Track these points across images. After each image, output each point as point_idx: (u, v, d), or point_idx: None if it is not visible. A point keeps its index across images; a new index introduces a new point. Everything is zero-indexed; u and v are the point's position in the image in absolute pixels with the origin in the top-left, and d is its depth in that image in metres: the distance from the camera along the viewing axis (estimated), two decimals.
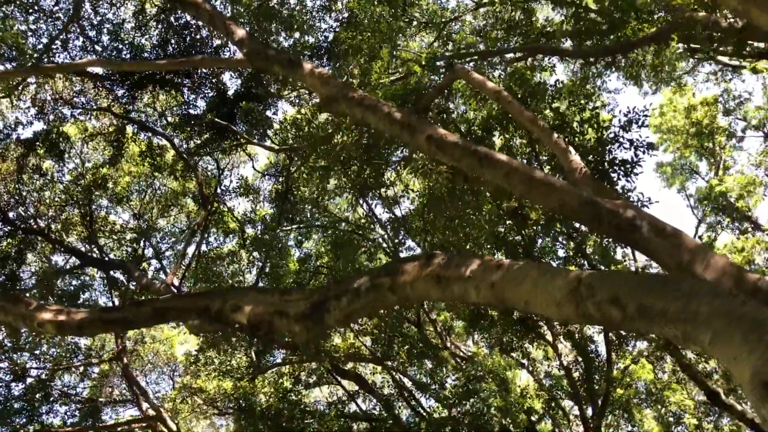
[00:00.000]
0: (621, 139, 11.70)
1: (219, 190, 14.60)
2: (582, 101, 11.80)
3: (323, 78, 9.84)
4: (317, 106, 13.55)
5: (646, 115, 11.79)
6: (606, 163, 11.68)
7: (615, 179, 11.73)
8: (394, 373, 15.15)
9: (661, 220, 6.67)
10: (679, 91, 24.51)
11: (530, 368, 16.70)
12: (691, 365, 20.07)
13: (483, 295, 6.45)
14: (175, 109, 15.84)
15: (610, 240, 15.78)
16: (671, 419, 17.25)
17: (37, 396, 17.44)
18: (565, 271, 5.76)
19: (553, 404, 17.28)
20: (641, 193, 11.62)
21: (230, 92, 16.13)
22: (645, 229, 6.84)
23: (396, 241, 18.25)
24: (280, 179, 15.71)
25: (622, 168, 11.54)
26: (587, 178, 8.91)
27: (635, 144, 11.60)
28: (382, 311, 14.40)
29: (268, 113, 16.83)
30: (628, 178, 11.63)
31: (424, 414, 14.59)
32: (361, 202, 17.30)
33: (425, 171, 14.32)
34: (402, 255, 17.76)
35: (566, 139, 10.71)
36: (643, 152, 11.60)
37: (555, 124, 11.66)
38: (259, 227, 16.10)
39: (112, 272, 16.23)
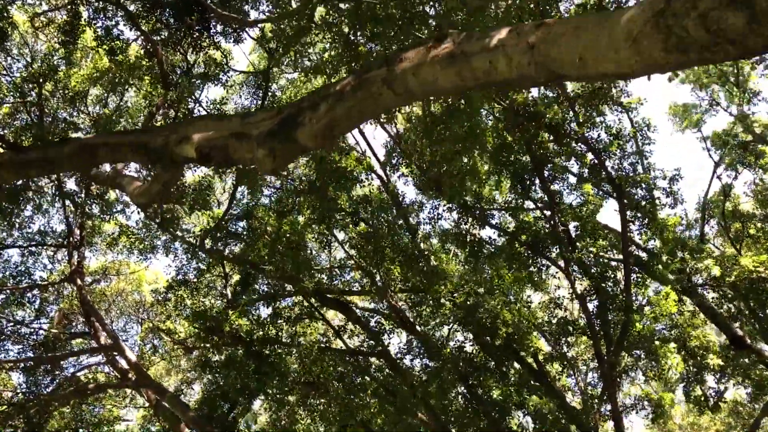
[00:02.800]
0: None
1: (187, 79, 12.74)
2: None
3: None
4: None
5: None
6: None
7: None
8: (383, 299, 13.51)
9: None
10: None
11: (540, 289, 15.10)
12: (713, 308, 18.64)
13: (518, 64, 4.74)
14: None
15: None
16: (695, 358, 15.77)
17: None
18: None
19: (563, 340, 15.76)
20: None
21: None
22: None
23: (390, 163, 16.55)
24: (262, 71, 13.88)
25: None
26: None
27: None
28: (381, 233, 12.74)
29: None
30: None
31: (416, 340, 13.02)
32: None
33: None
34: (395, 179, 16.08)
35: None
36: None
37: None
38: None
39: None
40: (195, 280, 17.70)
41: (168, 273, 26.13)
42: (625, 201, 14.56)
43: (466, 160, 15.64)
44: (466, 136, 10.75)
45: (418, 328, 13.28)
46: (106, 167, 10.26)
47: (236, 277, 18.22)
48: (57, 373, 19.33)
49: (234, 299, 16.77)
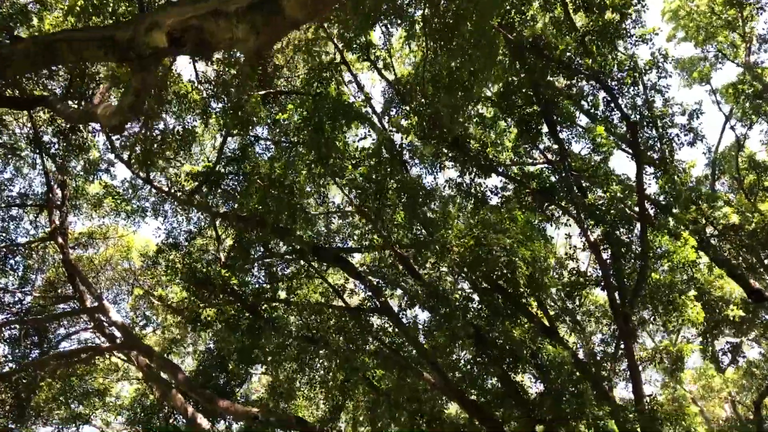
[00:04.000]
0: None
1: None
2: None
3: None
4: None
5: None
6: None
7: None
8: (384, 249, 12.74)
9: None
10: None
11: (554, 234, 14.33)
12: (729, 260, 17.96)
13: None
14: None
15: None
16: (714, 311, 15.11)
17: None
18: None
19: (574, 294, 15.06)
20: None
21: None
22: None
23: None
24: None
25: None
26: None
27: None
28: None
29: None
30: None
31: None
32: None
33: None
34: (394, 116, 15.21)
35: None
36: None
37: None
38: None
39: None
40: (186, 243, 16.90)
41: (157, 237, 25.06)
42: (640, 141, 13.77)
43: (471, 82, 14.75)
44: (475, 43, 9.84)
45: (423, 276, 12.51)
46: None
47: (229, 242, 17.45)
48: (45, 345, 18.66)
49: (227, 263, 16.02)
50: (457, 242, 11.37)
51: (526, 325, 11.46)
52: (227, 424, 19.75)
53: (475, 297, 12.42)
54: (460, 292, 11.71)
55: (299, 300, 12.01)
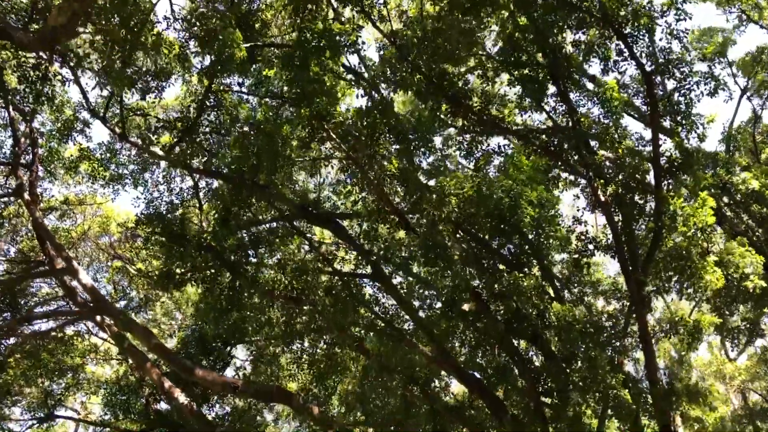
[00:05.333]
0: None
1: None
2: None
3: None
4: None
5: None
6: None
7: None
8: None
9: None
10: None
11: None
12: (747, 231, 17.03)
13: None
14: None
15: None
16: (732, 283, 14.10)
17: None
18: None
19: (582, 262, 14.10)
20: None
21: None
22: None
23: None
24: None
25: None
26: None
27: None
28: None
29: None
30: None
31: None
32: None
33: None
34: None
35: None
36: None
37: None
38: None
39: None
40: (168, 215, 15.84)
41: (137, 207, 23.89)
42: (656, 93, 12.81)
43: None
44: None
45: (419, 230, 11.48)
46: None
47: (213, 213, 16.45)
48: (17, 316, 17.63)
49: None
50: (457, 190, 10.40)
51: (532, 280, 10.43)
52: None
53: (476, 253, 11.40)
54: (458, 245, 10.69)
55: (284, 257, 10.96)
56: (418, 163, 11.37)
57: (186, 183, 17.60)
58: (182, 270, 11.60)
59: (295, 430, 22.69)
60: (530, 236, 10.28)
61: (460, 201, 10.51)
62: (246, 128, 11.16)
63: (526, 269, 12.42)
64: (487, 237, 11.11)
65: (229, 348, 18.45)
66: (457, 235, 11.18)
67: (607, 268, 18.90)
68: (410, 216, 11.70)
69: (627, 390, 11.02)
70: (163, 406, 19.18)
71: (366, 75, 14.89)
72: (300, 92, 10.19)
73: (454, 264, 10.12)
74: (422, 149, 10.97)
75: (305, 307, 11.74)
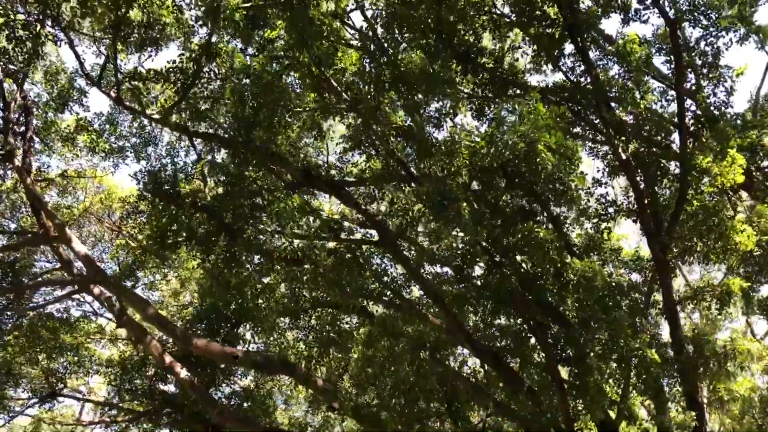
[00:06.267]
0: None
1: None
2: None
3: None
4: None
5: None
6: None
7: None
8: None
9: None
10: None
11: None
12: None
13: None
14: None
15: None
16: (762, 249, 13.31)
17: None
18: None
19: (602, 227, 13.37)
20: None
21: None
22: None
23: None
24: None
25: None
26: None
27: None
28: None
29: None
30: None
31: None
32: None
33: None
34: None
35: None
36: None
37: None
38: None
39: None
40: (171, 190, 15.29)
41: (140, 181, 23.30)
42: (681, 41, 12.03)
43: None
44: None
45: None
46: None
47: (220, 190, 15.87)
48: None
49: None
50: (468, 140, 9.72)
51: (548, 233, 9.71)
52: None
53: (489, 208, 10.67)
54: (469, 201, 9.98)
55: (284, 213, 10.26)
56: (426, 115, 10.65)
57: (191, 156, 17.05)
58: (175, 230, 11.02)
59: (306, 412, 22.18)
60: (548, 186, 9.54)
61: (471, 154, 9.83)
62: (243, 78, 10.51)
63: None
64: (499, 193, 10.41)
65: (236, 330, 17.94)
66: (468, 192, 10.50)
67: (629, 242, 18.05)
68: (418, 172, 11.04)
69: (653, 350, 10.28)
70: (169, 388, 18.77)
71: (370, 33, 14.22)
72: (298, 36, 9.56)
73: (465, 220, 9.43)
74: (433, 96, 10.28)
75: (306, 266, 11.14)
